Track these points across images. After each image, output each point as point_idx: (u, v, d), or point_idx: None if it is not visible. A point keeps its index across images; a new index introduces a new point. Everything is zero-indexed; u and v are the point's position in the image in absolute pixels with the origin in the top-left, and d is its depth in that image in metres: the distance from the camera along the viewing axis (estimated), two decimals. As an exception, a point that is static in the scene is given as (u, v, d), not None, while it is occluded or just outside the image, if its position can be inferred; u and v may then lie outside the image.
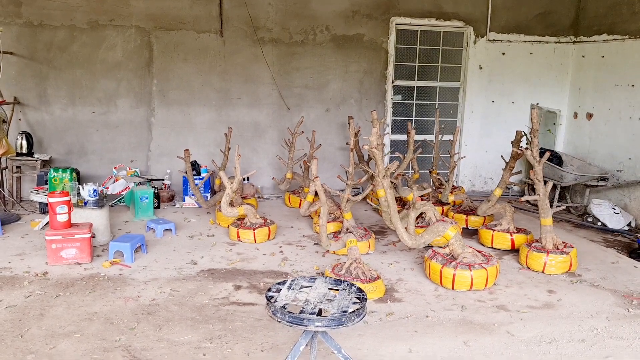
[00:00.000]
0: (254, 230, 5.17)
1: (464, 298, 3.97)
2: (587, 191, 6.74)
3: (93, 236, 4.66)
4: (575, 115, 7.42)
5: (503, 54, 7.49)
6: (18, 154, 6.21)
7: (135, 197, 5.87)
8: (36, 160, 6.22)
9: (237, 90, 7.01)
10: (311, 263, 4.67)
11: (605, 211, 6.10)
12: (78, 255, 4.48)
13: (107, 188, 6.40)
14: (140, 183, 6.38)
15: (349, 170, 4.82)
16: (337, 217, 5.43)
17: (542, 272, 4.47)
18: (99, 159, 6.82)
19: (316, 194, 6.02)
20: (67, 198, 4.49)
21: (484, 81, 7.54)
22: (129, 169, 6.74)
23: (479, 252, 4.32)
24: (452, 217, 5.79)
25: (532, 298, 3.99)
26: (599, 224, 6.13)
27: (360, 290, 2.74)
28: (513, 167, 5.11)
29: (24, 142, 6.22)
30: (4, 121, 5.99)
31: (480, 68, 7.51)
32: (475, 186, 7.84)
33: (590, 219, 6.30)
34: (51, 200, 4.44)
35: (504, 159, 5.37)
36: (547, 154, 4.46)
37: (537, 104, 7.44)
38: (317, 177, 4.24)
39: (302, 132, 6.45)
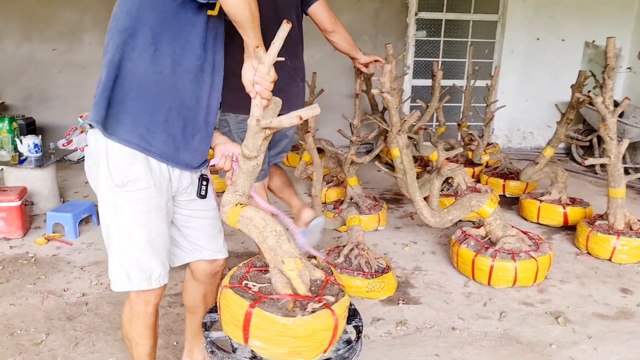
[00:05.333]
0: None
1: (505, 299, 2.90)
2: (653, 149, 5.49)
3: (26, 204, 3.66)
4: (640, 55, 6.07)
5: (553, -21, 6.09)
6: (-38, 100, 5.21)
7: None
8: (-17, 107, 5.21)
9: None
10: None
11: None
12: (5, 229, 3.51)
13: (70, 142, 5.38)
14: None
15: (354, 122, 3.68)
16: (342, 181, 4.35)
17: (610, 260, 3.35)
18: (63, 106, 5.77)
19: (319, 151, 4.92)
20: (-14, 155, 3.49)
21: (528, 13, 6.17)
22: (98, 118, 5.68)
23: (524, 232, 3.22)
24: (486, 183, 4.65)
25: (600, 301, 2.90)
26: (670, 190, 4.92)
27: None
28: (571, 120, 3.89)
29: (-31, 85, 5.19)
30: (-61, 59, 4.94)
31: (524, -3, 6.15)
32: (511, 142, 6.62)
33: (656, 184, 5.09)
34: (-35, 158, 3.44)
35: (558, 109, 4.14)
36: (626, 101, 3.25)
37: (593, 41, 6.09)
38: (307, 131, 3.13)
39: (302, 74, 5.27)
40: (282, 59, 1.47)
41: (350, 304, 1.85)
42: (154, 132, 1.53)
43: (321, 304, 1.68)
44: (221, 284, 1.76)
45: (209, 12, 1.52)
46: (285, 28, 1.38)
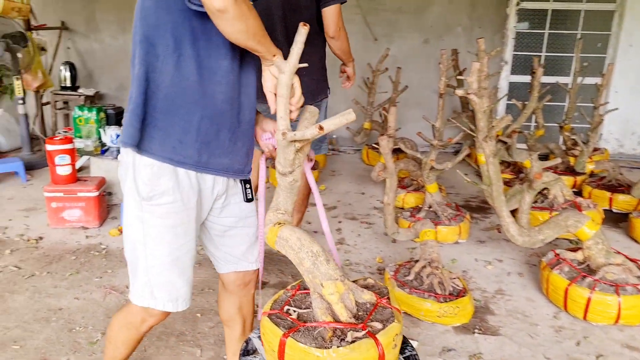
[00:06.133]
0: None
1: (603, 339, 2.48)
2: None
3: (103, 194, 3.73)
4: None
5: (686, -39, 5.28)
6: (62, 88, 5.48)
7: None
8: (79, 96, 5.43)
9: (312, 15, 5.63)
10: (374, 251, 3.38)
11: None
12: (83, 218, 3.60)
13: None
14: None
15: (436, 125, 3.35)
16: (422, 185, 4.03)
17: None
18: (152, 97, 5.92)
19: (397, 150, 4.65)
20: (69, 146, 3.58)
21: (652, 2, 5.42)
22: (184, 109, 5.77)
23: (633, 260, 2.75)
24: (589, 195, 4.11)
25: None
26: None
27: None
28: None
29: (67, 74, 5.44)
30: (42, 49, 5.22)
31: (648, -18, 5.39)
32: (623, 147, 5.88)
33: None
34: (49, 147, 3.55)
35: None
36: None
37: None
38: (382, 134, 2.87)
39: (387, 68, 4.98)
40: (305, 64, 1.32)
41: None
42: (186, 143, 1.41)
43: (364, 332, 1.46)
44: (262, 310, 1.61)
45: None
46: (302, 32, 1.25)
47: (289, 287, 1.71)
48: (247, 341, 1.83)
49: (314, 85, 2.84)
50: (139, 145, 1.38)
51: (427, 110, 5.72)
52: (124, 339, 1.67)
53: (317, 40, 2.75)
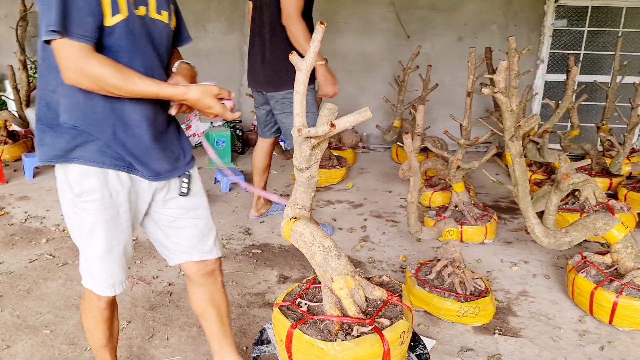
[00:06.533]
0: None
1: (629, 344, 2.41)
2: None
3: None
4: None
5: None
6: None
7: (211, 141, 5.01)
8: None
9: (344, 13, 5.64)
10: (398, 249, 3.37)
11: None
12: (116, 210, 3.72)
13: (189, 127, 5.61)
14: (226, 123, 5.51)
15: (464, 124, 3.32)
16: (450, 184, 3.99)
17: None
18: (187, 93, 6.05)
19: (424, 150, 4.63)
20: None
21: (699, -2, 5.20)
22: (217, 105, 5.88)
23: (664, 266, 2.66)
24: (625, 198, 3.98)
25: None
26: None
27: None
28: None
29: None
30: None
31: (696, -22, 5.17)
32: (665, 149, 5.67)
33: None
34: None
35: None
36: None
37: None
38: (407, 133, 2.85)
39: (417, 67, 4.94)
40: (323, 62, 1.38)
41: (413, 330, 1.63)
42: (113, 149, 1.50)
43: (371, 327, 1.48)
44: (275, 302, 1.66)
45: (113, 21, 1.37)
46: (319, 30, 1.31)
47: (303, 281, 1.75)
48: (262, 331, 1.88)
49: (272, 75, 3.04)
50: (65, 156, 1.47)
51: (459, 109, 5.64)
52: (93, 322, 1.77)
53: (281, 34, 2.92)
